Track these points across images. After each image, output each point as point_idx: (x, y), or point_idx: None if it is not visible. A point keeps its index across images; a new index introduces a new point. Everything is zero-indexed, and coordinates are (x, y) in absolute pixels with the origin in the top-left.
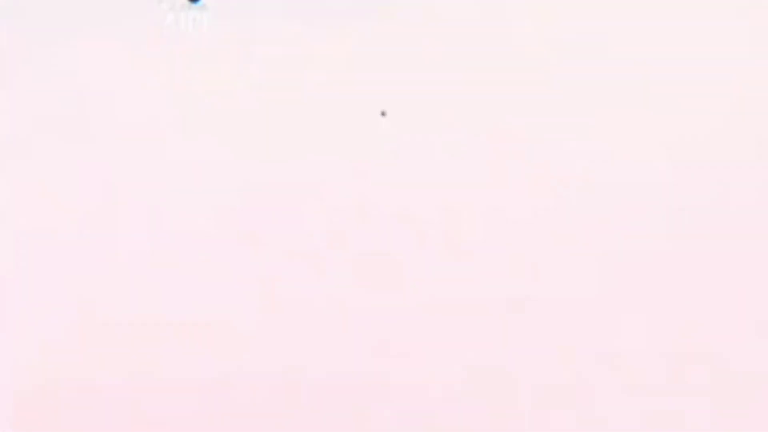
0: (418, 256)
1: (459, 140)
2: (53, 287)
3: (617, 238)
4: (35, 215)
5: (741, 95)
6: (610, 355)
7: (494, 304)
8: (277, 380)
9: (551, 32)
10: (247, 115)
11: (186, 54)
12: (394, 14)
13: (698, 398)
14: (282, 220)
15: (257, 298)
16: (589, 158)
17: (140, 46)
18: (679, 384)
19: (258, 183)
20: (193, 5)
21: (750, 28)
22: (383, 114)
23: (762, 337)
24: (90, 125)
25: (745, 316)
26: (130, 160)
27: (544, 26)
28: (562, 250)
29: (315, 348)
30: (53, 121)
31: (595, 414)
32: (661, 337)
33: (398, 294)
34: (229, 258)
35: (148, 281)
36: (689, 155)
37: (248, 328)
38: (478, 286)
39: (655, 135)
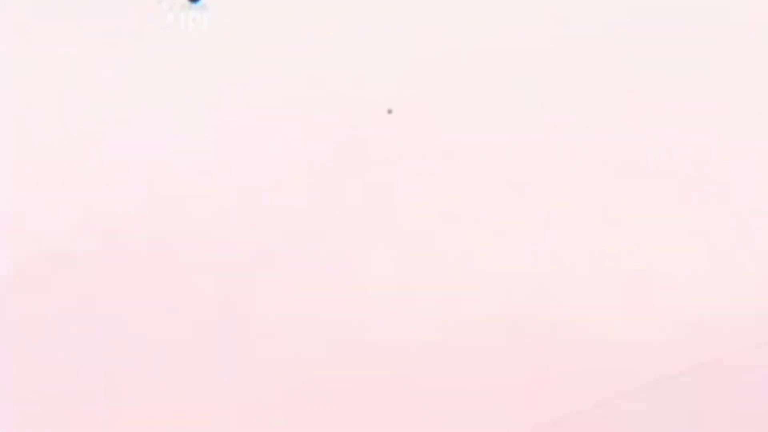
0: None
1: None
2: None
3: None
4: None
5: None
6: None
7: None
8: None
9: None
10: (246, 115)
11: (186, 54)
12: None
13: None
14: (279, 217)
15: None
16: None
17: (140, 46)
18: None
19: (257, 183)
20: (193, 5)
21: None
22: (389, 112)
23: None
24: (88, 125)
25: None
26: (129, 160)
27: None
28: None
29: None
30: (49, 121)
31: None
32: None
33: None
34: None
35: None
36: None
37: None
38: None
39: None
